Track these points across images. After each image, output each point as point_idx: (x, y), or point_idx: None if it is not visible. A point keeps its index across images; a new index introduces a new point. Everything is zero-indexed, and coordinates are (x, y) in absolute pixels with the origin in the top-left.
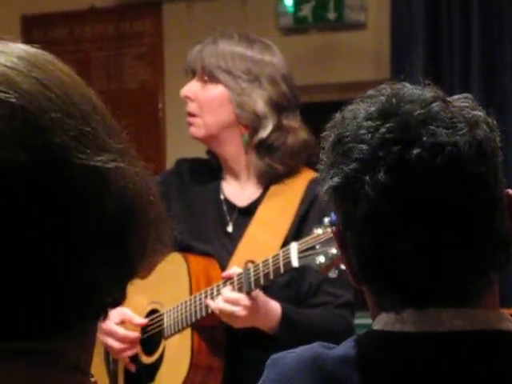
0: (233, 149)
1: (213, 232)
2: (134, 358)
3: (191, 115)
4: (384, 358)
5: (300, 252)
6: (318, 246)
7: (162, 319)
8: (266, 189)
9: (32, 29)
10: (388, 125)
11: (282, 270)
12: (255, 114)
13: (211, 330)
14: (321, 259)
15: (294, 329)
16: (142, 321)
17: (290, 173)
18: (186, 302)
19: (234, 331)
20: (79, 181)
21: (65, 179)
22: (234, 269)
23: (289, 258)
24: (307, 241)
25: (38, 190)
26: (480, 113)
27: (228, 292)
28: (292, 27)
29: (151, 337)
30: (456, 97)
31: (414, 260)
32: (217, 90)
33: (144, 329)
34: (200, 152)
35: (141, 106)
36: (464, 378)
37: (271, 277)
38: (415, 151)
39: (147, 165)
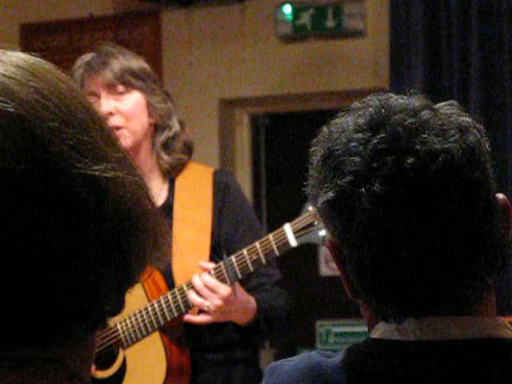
0: (145, 152)
1: None
2: None
3: (117, 128)
4: (382, 366)
5: (296, 231)
6: (316, 222)
7: (117, 330)
8: (171, 186)
9: (31, 37)
10: (379, 136)
11: (277, 253)
12: (167, 111)
13: (175, 333)
14: (323, 233)
15: (267, 318)
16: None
17: (189, 164)
18: (146, 308)
19: (193, 332)
20: (77, 190)
21: (63, 189)
22: (209, 264)
23: (285, 238)
24: (302, 219)
25: (36, 199)
26: (468, 119)
27: (212, 279)
28: (291, 35)
29: (103, 350)
30: (441, 104)
31: (413, 269)
32: (135, 97)
33: None
34: (201, 158)
35: None
36: None
37: (263, 261)
38: (409, 160)
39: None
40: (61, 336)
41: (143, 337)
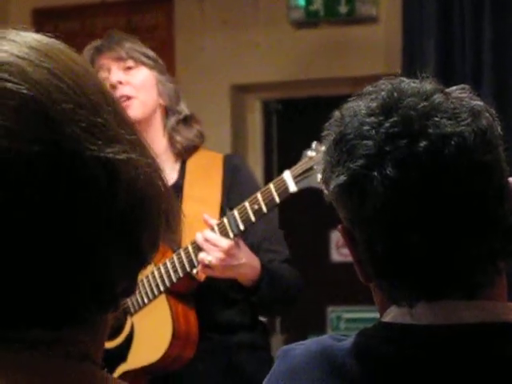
0: (155, 132)
1: None
2: None
3: (128, 98)
4: (393, 350)
5: (295, 177)
6: (315, 166)
7: None
8: (182, 168)
9: (43, 22)
10: (392, 119)
11: (277, 200)
12: (176, 93)
13: (184, 298)
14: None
15: (271, 281)
16: None
17: (199, 149)
18: (152, 272)
19: (203, 299)
20: (91, 172)
21: (76, 171)
22: (211, 220)
23: (285, 185)
24: (300, 165)
25: (49, 181)
26: (480, 102)
27: (224, 239)
28: (303, 21)
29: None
30: (454, 88)
31: (426, 253)
32: (144, 72)
33: None
34: (213, 144)
35: None
36: (475, 369)
37: (264, 210)
38: (422, 144)
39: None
40: (72, 318)
41: (150, 301)
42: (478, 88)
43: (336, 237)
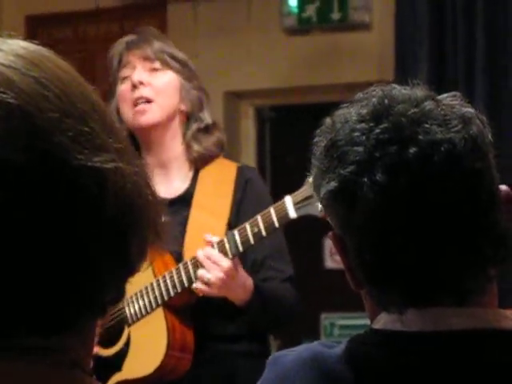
0: (171, 137)
1: None
2: None
3: (145, 101)
4: (384, 357)
5: (296, 203)
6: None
7: (123, 308)
8: (195, 176)
9: (36, 29)
10: (382, 126)
11: (276, 224)
12: (199, 99)
13: (181, 311)
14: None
15: (263, 302)
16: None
17: (217, 158)
18: (152, 284)
19: (200, 311)
20: (78, 181)
21: (63, 180)
22: (213, 237)
23: (285, 210)
24: (302, 192)
25: (36, 191)
26: (471, 109)
27: (226, 260)
28: (296, 28)
29: (108, 328)
30: (445, 95)
31: (415, 259)
32: (170, 75)
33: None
34: None
35: None
36: (466, 377)
37: (263, 234)
38: (412, 150)
39: (145, 164)
40: (61, 326)
41: (148, 313)
42: (469, 95)
43: (330, 243)
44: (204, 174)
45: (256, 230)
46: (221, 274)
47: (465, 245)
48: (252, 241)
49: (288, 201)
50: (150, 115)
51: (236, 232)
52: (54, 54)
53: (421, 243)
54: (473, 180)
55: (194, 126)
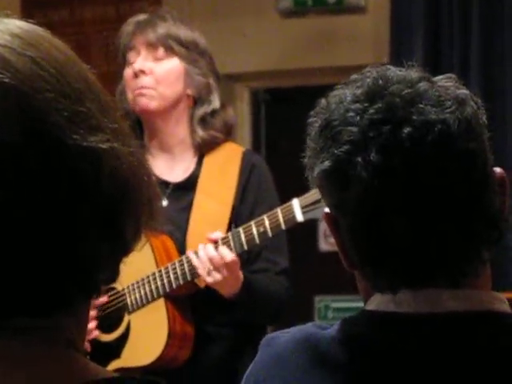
0: (175, 122)
1: None
2: None
3: (145, 87)
4: (377, 338)
5: (304, 207)
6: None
7: (124, 295)
8: (200, 160)
9: (32, 11)
10: (376, 106)
11: (283, 226)
12: (207, 86)
13: (182, 300)
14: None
15: (252, 295)
16: (103, 299)
17: (223, 143)
18: (154, 273)
19: (198, 300)
20: (73, 161)
21: (58, 160)
22: (217, 233)
23: (292, 213)
24: (310, 196)
25: (32, 171)
26: (465, 91)
27: (231, 254)
28: (291, 10)
29: (109, 313)
30: (440, 77)
31: (409, 239)
32: (173, 63)
33: (100, 307)
34: None
35: None
36: (459, 358)
37: (269, 234)
38: (406, 130)
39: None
40: (56, 305)
41: (148, 302)
42: (465, 77)
43: (324, 226)
44: (209, 158)
45: (262, 229)
46: (219, 276)
47: (458, 225)
48: (257, 240)
49: (296, 204)
50: (150, 103)
51: (241, 230)
52: (50, 33)
53: (414, 223)
54: (466, 161)
55: (200, 111)
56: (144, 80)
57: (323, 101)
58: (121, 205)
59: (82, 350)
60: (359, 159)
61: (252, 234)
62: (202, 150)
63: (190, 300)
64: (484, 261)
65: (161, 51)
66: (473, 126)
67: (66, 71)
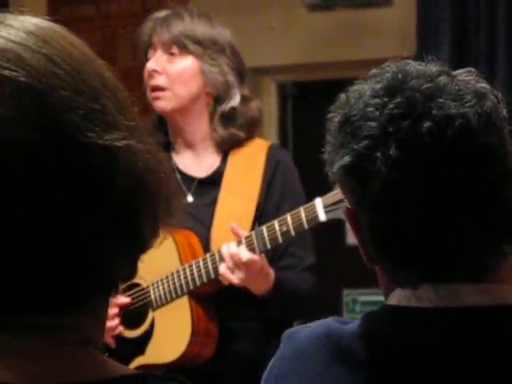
0: (196, 120)
1: None
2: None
3: (159, 89)
4: (398, 333)
5: (326, 206)
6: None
7: (148, 291)
8: (225, 156)
9: (58, 6)
10: (396, 101)
11: (306, 226)
12: (226, 83)
13: (205, 298)
14: None
15: (281, 294)
16: (125, 300)
17: (248, 139)
18: (178, 271)
19: (222, 302)
20: (89, 159)
21: (74, 158)
22: (241, 231)
23: (315, 212)
24: (333, 195)
25: (48, 169)
26: (485, 85)
27: (247, 253)
28: (318, 4)
29: (133, 309)
30: (460, 71)
31: (430, 234)
32: (187, 62)
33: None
34: None
35: None
36: (481, 354)
37: (292, 233)
38: (426, 124)
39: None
40: (73, 302)
41: (172, 299)
42: (492, 70)
43: None
44: (234, 155)
45: (285, 229)
46: (242, 274)
47: (479, 220)
48: (280, 239)
49: (318, 203)
50: (164, 103)
51: (264, 229)
52: (66, 30)
53: (433, 218)
54: (486, 155)
55: (220, 110)
56: (158, 80)
57: (343, 96)
58: (137, 202)
59: (100, 347)
60: (379, 154)
61: (275, 232)
62: (225, 147)
63: (214, 296)
64: (505, 254)
65: (175, 50)
66: (493, 119)
67: (82, 68)
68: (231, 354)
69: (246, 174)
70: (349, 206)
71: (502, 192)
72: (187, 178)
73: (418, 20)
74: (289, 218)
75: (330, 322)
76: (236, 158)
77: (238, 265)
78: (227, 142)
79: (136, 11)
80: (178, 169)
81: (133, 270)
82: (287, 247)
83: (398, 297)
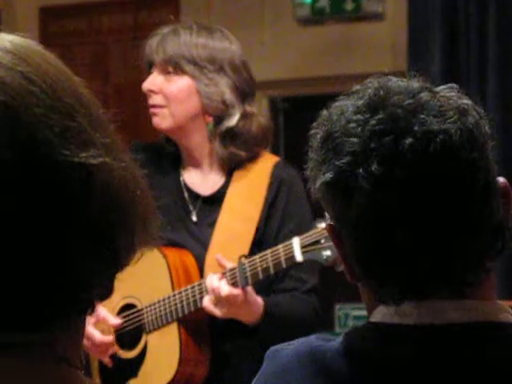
0: (197, 138)
1: (178, 220)
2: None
3: (156, 107)
4: (381, 350)
5: (303, 246)
6: (323, 241)
7: (142, 314)
8: (229, 175)
9: (50, 21)
10: (378, 117)
11: (283, 265)
12: (223, 103)
13: (196, 324)
14: (327, 253)
15: (273, 322)
16: (117, 321)
17: (253, 157)
18: (169, 297)
19: (217, 323)
20: (64, 177)
21: (49, 176)
22: (227, 263)
23: (291, 252)
24: (310, 235)
25: (22, 187)
26: (468, 101)
27: (227, 288)
28: (309, 18)
29: (129, 331)
30: (442, 87)
31: (412, 251)
32: (183, 82)
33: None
34: None
35: None
36: (463, 370)
37: (271, 271)
38: (407, 141)
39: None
40: (48, 320)
41: (163, 325)
42: (482, 86)
43: None
44: (238, 174)
45: (265, 265)
46: (224, 309)
47: (461, 236)
48: (261, 276)
49: (296, 243)
50: (159, 120)
51: (247, 264)
52: (42, 47)
53: (416, 234)
54: (468, 170)
55: (219, 129)
56: (155, 99)
57: (325, 112)
58: (113, 219)
59: (76, 364)
60: (361, 171)
61: (256, 268)
62: (226, 166)
63: (208, 318)
64: (487, 270)
65: (171, 69)
66: (475, 135)
67: (58, 86)
68: (226, 376)
69: (249, 194)
70: (331, 223)
71: (486, 208)
72: (194, 196)
73: (409, 34)
74: (269, 255)
75: (312, 339)
76: (240, 177)
77: (218, 299)
78: (228, 162)
79: (128, 26)
80: (186, 185)
81: (109, 288)
82: (289, 269)
83: (381, 313)
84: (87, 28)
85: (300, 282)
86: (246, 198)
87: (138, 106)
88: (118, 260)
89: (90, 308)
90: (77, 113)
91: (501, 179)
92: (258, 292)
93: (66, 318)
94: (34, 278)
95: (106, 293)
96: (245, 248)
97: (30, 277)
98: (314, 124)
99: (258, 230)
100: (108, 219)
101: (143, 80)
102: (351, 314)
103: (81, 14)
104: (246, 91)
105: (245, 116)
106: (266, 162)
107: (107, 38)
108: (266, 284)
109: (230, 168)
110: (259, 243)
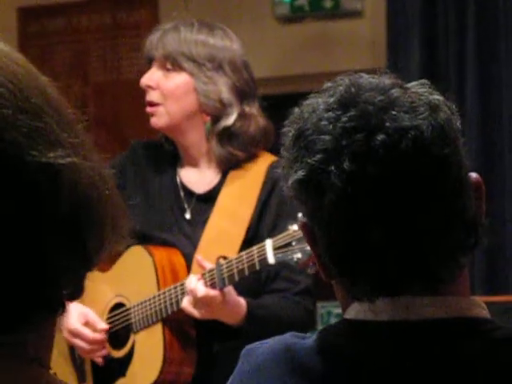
0: (194, 137)
1: (172, 219)
2: None
3: (153, 104)
4: (354, 347)
5: (275, 249)
6: (294, 243)
7: (130, 314)
8: (224, 174)
9: (29, 20)
10: (349, 114)
11: (257, 267)
12: (220, 102)
13: (181, 324)
14: (298, 256)
15: (258, 323)
16: (105, 326)
17: (250, 158)
18: (154, 297)
19: (202, 323)
20: (31, 178)
21: (16, 177)
22: (206, 263)
23: (264, 254)
24: (282, 237)
25: None
26: (439, 97)
27: (203, 289)
28: (288, 16)
29: (118, 330)
30: (413, 83)
31: (385, 248)
32: (181, 78)
33: (111, 323)
34: None
35: (138, 96)
36: (438, 366)
37: (246, 273)
38: (379, 137)
39: (103, 157)
40: (19, 322)
41: (149, 325)
42: (461, 83)
43: None
44: (234, 173)
45: (241, 267)
46: (202, 311)
47: (434, 232)
48: (236, 278)
49: (269, 245)
50: (157, 119)
51: (224, 266)
52: (9, 47)
53: (389, 231)
54: (440, 166)
55: (216, 128)
56: (152, 95)
57: (296, 110)
58: (81, 219)
59: (46, 364)
60: (333, 168)
61: (232, 270)
62: (223, 166)
63: (193, 319)
64: (461, 266)
65: (170, 66)
66: (446, 131)
67: (25, 86)
68: (213, 376)
69: (242, 193)
70: (304, 220)
71: (457, 204)
72: (189, 193)
73: (388, 31)
74: (244, 256)
75: (287, 337)
76: (235, 177)
77: (196, 300)
78: (225, 161)
79: (107, 25)
80: (181, 183)
81: (79, 288)
82: (280, 271)
83: (355, 310)
84: (66, 28)
85: (292, 283)
86: (238, 198)
87: (117, 105)
88: (87, 259)
89: (60, 308)
90: (44, 113)
91: (473, 175)
92: (247, 293)
93: (35, 319)
94: (2, 278)
95: (76, 293)
96: (234, 247)
97: (2, 277)
98: (286, 122)
99: (249, 229)
100: (76, 218)
101: (123, 79)
102: (333, 312)
103: (59, 13)
104: (245, 91)
105: (243, 116)
106: (262, 162)
107: (86, 38)
108: (255, 285)
109: (227, 168)
110: (250, 243)
